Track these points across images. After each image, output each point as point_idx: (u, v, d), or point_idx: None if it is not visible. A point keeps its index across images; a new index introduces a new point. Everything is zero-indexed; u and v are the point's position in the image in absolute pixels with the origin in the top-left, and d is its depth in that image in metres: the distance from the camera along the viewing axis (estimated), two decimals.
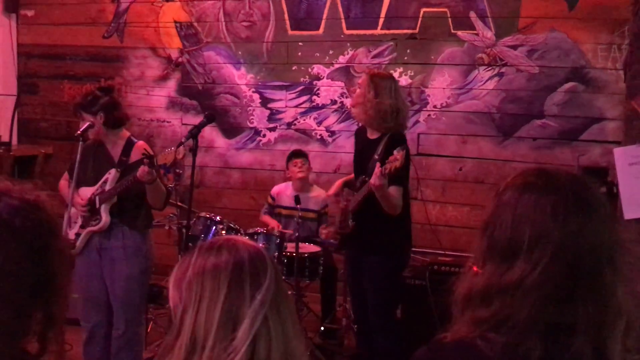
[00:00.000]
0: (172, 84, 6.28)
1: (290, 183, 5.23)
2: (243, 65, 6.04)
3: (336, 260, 5.07)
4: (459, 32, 5.39)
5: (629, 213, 3.00)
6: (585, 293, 1.17)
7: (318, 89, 5.82)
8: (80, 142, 3.68)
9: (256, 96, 6.02)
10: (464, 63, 5.40)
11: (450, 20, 5.40)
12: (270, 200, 5.25)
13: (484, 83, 5.35)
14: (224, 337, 1.21)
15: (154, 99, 6.34)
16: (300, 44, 5.84)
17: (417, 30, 5.50)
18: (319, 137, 5.85)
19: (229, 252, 1.28)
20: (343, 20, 5.70)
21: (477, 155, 5.40)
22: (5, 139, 6.38)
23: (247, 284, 1.25)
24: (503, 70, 5.29)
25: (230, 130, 6.10)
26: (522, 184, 1.25)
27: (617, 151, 3.14)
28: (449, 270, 4.16)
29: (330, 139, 5.81)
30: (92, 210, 3.75)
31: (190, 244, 3.86)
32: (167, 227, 5.28)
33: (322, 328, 4.92)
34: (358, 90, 3.90)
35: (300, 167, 5.09)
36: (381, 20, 5.59)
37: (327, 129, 5.82)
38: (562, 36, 5.12)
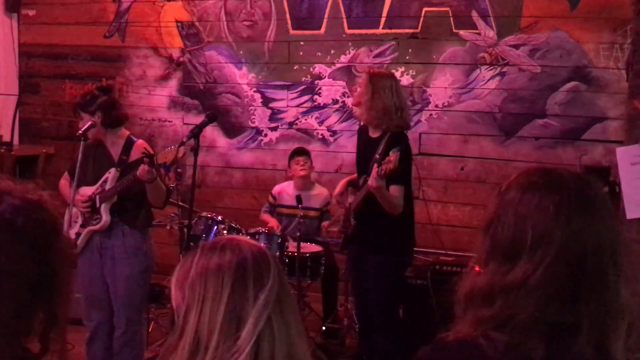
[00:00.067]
0: (173, 84, 6.29)
1: (291, 182, 5.22)
2: (244, 64, 6.04)
3: (338, 260, 5.07)
4: (461, 32, 5.39)
5: (631, 213, 3.00)
6: (588, 293, 1.16)
7: (319, 89, 5.82)
8: (82, 142, 3.68)
9: (257, 96, 6.02)
10: (466, 62, 5.40)
11: (452, 19, 5.39)
12: (271, 199, 5.24)
13: (486, 82, 5.34)
14: (227, 337, 1.21)
15: (155, 99, 6.34)
16: (301, 43, 5.84)
17: (418, 30, 5.49)
18: (320, 136, 5.84)
19: (232, 251, 1.27)
20: (345, 20, 5.69)
21: (478, 155, 5.40)
22: (7, 138, 6.38)
23: (250, 283, 1.24)
24: (505, 69, 5.29)
25: (232, 129, 6.10)
26: (525, 183, 1.25)
27: (620, 151, 3.13)
28: (450, 270, 4.16)
29: (331, 139, 5.81)
30: (92, 210, 3.75)
31: (191, 244, 3.85)
32: (168, 227, 5.28)
33: (324, 328, 4.92)
34: (358, 90, 3.91)
35: (303, 165, 5.09)
36: (383, 20, 5.58)
37: (329, 129, 5.81)
38: (564, 35, 5.12)
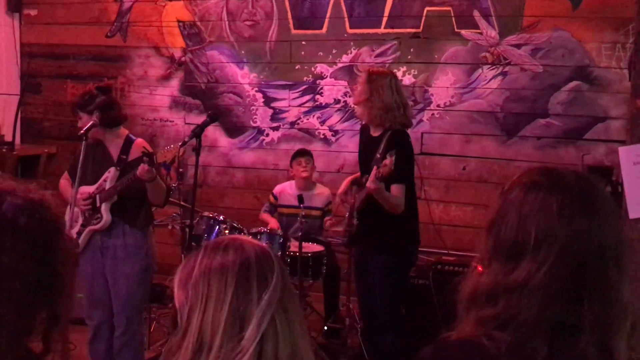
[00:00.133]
0: (175, 83, 6.29)
1: (293, 182, 5.22)
2: (246, 64, 6.04)
3: (339, 259, 5.07)
4: (463, 31, 5.38)
5: (633, 212, 2.99)
6: (591, 293, 1.16)
7: (321, 88, 5.81)
8: (84, 142, 3.69)
9: (259, 95, 6.01)
10: (468, 62, 5.39)
11: (453, 19, 5.39)
12: (272, 199, 5.24)
13: (488, 82, 5.34)
14: (231, 337, 1.20)
15: (157, 99, 6.34)
16: (303, 43, 5.84)
17: (420, 29, 5.49)
18: (322, 136, 5.84)
19: (235, 251, 1.27)
20: (346, 19, 5.69)
21: (480, 155, 5.40)
22: (9, 138, 6.39)
23: (254, 283, 1.24)
24: (507, 69, 5.28)
25: (234, 129, 6.10)
26: (528, 182, 1.24)
27: (622, 150, 3.13)
28: (452, 269, 4.15)
29: (333, 138, 5.81)
30: (93, 209, 3.76)
31: (193, 244, 3.86)
32: (170, 227, 5.27)
33: (326, 327, 4.91)
34: (358, 89, 3.91)
35: (305, 166, 5.08)
36: (384, 19, 5.58)
37: (331, 128, 5.81)
38: (566, 35, 5.11)
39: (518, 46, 5.25)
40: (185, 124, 6.22)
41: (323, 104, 5.82)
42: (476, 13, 5.33)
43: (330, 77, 5.78)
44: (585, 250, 1.17)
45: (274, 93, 5.97)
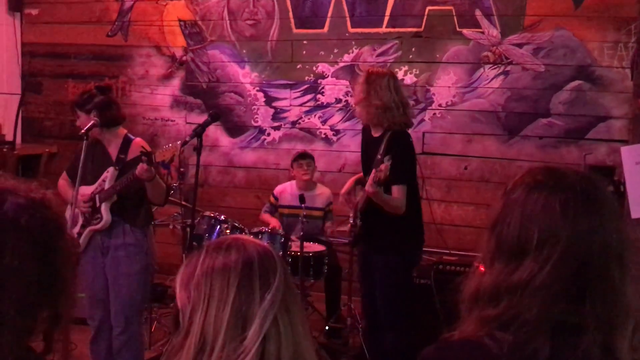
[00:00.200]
0: (176, 83, 6.29)
1: (294, 182, 5.21)
2: (247, 63, 6.03)
3: (341, 259, 5.07)
4: (465, 31, 5.38)
5: (636, 212, 2.99)
6: (593, 292, 1.16)
7: (323, 88, 5.81)
8: (84, 141, 3.68)
9: (260, 95, 6.01)
10: (470, 61, 5.39)
11: (455, 18, 5.38)
12: (272, 199, 5.23)
13: (490, 81, 5.33)
14: (233, 337, 1.20)
15: (158, 98, 6.34)
16: (304, 42, 5.84)
17: (422, 29, 5.49)
18: (323, 136, 5.84)
19: (237, 251, 1.27)
20: (348, 19, 5.69)
21: (482, 154, 5.39)
22: (10, 138, 6.40)
23: (256, 283, 1.23)
24: (509, 68, 5.28)
25: (235, 129, 6.10)
26: (531, 182, 1.24)
27: (624, 150, 3.13)
28: (453, 269, 4.14)
29: (334, 138, 5.80)
30: (92, 209, 3.76)
31: (194, 243, 3.86)
32: (171, 227, 5.28)
33: (327, 327, 4.91)
34: (358, 89, 3.91)
35: (306, 169, 5.06)
36: (386, 19, 5.58)
37: (332, 128, 5.81)
38: (568, 34, 5.11)
39: (520, 45, 5.24)
40: (187, 123, 6.22)
41: (324, 104, 5.82)
42: (478, 12, 5.32)
43: (332, 77, 5.77)
44: (587, 250, 1.17)
45: (275, 92, 5.96)
